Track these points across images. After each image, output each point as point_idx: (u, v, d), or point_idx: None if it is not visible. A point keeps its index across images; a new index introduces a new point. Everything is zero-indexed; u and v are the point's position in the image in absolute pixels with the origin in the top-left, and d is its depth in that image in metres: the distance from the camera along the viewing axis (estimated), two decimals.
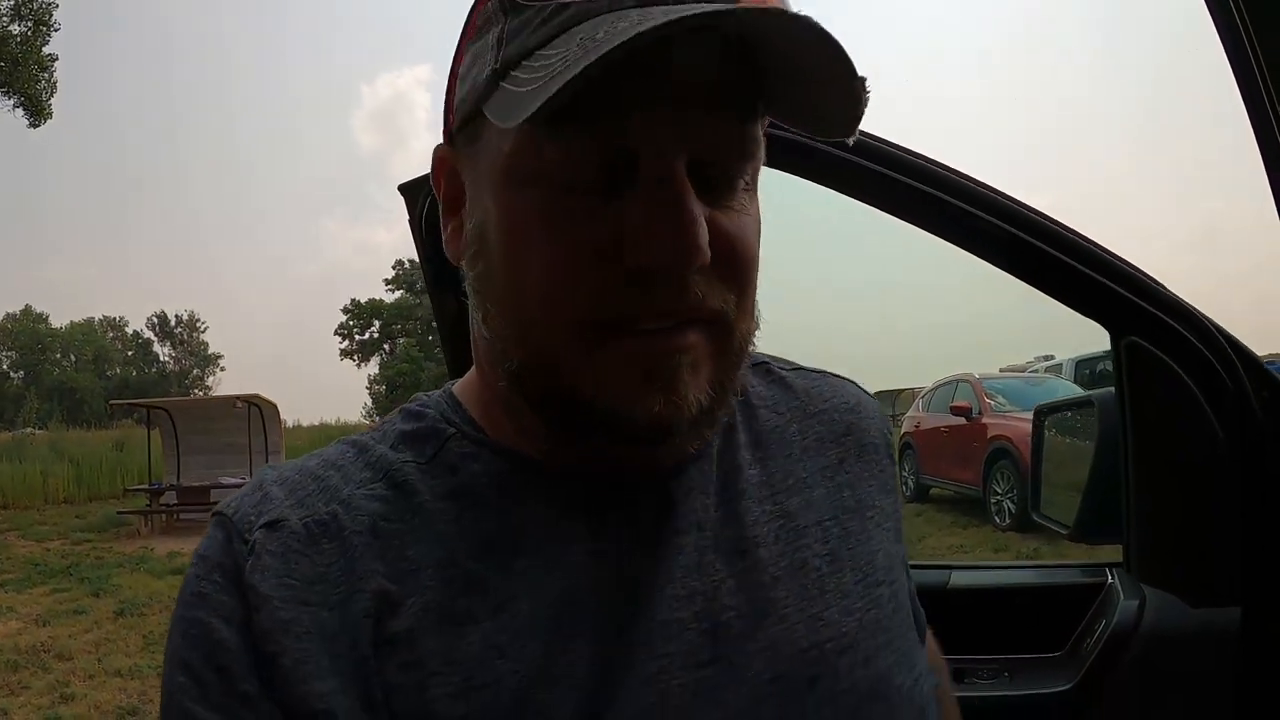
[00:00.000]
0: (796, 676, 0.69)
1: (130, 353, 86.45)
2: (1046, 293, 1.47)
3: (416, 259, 2.05)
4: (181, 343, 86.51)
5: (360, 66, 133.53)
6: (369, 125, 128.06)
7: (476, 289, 0.70)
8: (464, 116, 0.69)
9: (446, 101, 0.73)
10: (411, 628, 0.64)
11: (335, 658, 0.62)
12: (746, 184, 0.67)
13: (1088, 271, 1.42)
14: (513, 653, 0.64)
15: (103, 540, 13.75)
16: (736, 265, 0.66)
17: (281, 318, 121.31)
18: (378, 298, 63.66)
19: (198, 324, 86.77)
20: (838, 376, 0.91)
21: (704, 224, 0.62)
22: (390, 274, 61.57)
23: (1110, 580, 1.60)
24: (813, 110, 0.64)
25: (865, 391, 0.92)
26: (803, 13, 0.57)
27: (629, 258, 0.62)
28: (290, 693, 0.61)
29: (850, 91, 0.61)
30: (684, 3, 0.60)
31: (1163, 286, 1.44)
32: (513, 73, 0.62)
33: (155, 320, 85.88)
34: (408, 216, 1.93)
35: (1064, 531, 1.83)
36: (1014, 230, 1.42)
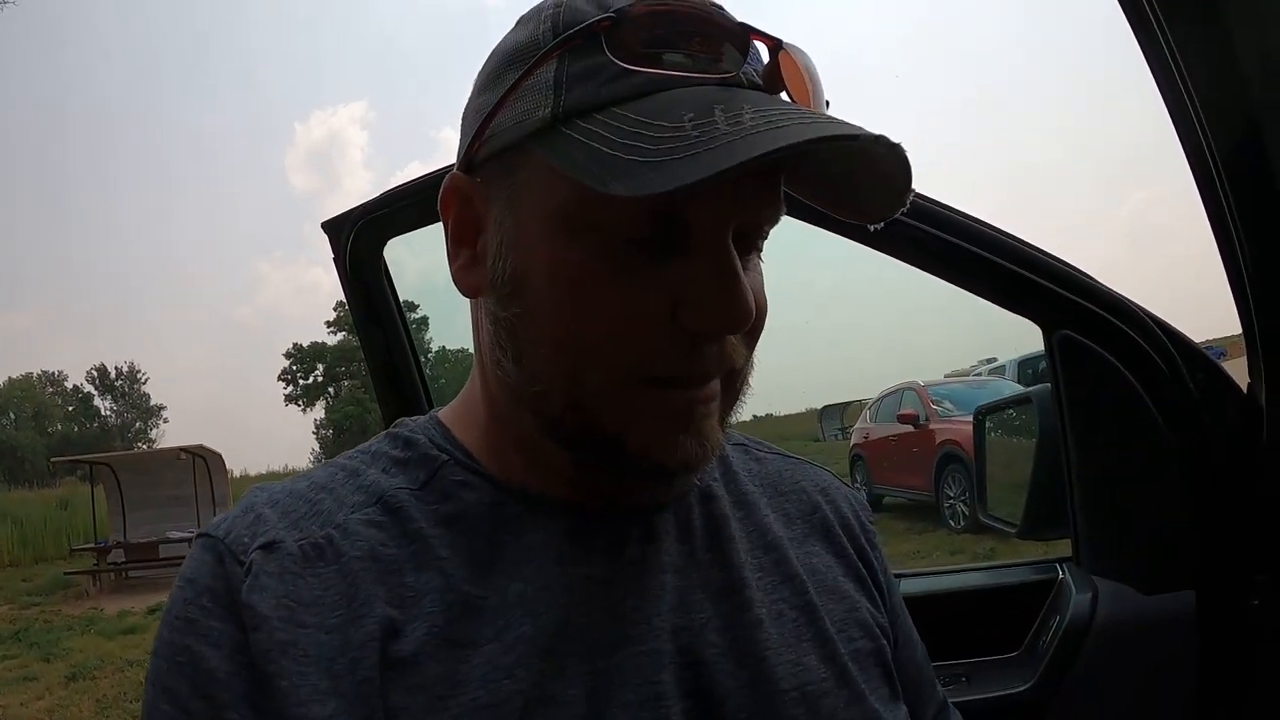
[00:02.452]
0: (779, 718, 0.72)
1: (71, 408, 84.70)
2: (976, 293, 1.48)
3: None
4: (123, 395, 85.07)
5: (292, 104, 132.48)
6: (303, 165, 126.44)
7: (508, 329, 0.70)
8: (501, 147, 0.69)
9: (475, 127, 0.72)
10: (416, 652, 0.65)
11: (335, 679, 0.62)
12: (760, 247, 0.72)
13: (1015, 269, 1.43)
14: (516, 674, 0.65)
15: (51, 603, 13.46)
16: (757, 323, 0.70)
17: (223, 365, 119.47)
18: (320, 341, 62.93)
19: (138, 375, 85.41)
20: (811, 463, 0.95)
21: (750, 291, 0.66)
22: (331, 316, 60.86)
23: (1061, 575, 1.61)
24: (851, 201, 0.71)
25: (838, 480, 0.95)
26: (892, 140, 0.62)
27: (689, 322, 0.65)
28: (286, 716, 0.61)
29: (899, 200, 0.67)
30: (744, 84, 0.66)
31: (1093, 279, 1.45)
32: (580, 122, 0.63)
33: (95, 373, 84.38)
34: (332, 255, 1.92)
35: (1012, 530, 1.83)
36: (938, 233, 1.43)
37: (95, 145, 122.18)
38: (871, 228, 0.70)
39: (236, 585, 0.65)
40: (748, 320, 0.66)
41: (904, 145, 0.62)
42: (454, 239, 0.75)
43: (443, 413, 0.82)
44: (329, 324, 61.53)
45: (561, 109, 0.64)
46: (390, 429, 0.81)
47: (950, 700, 0.95)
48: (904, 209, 0.67)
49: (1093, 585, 1.51)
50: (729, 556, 0.78)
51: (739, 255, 0.66)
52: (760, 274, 0.72)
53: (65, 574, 15.17)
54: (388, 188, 1.85)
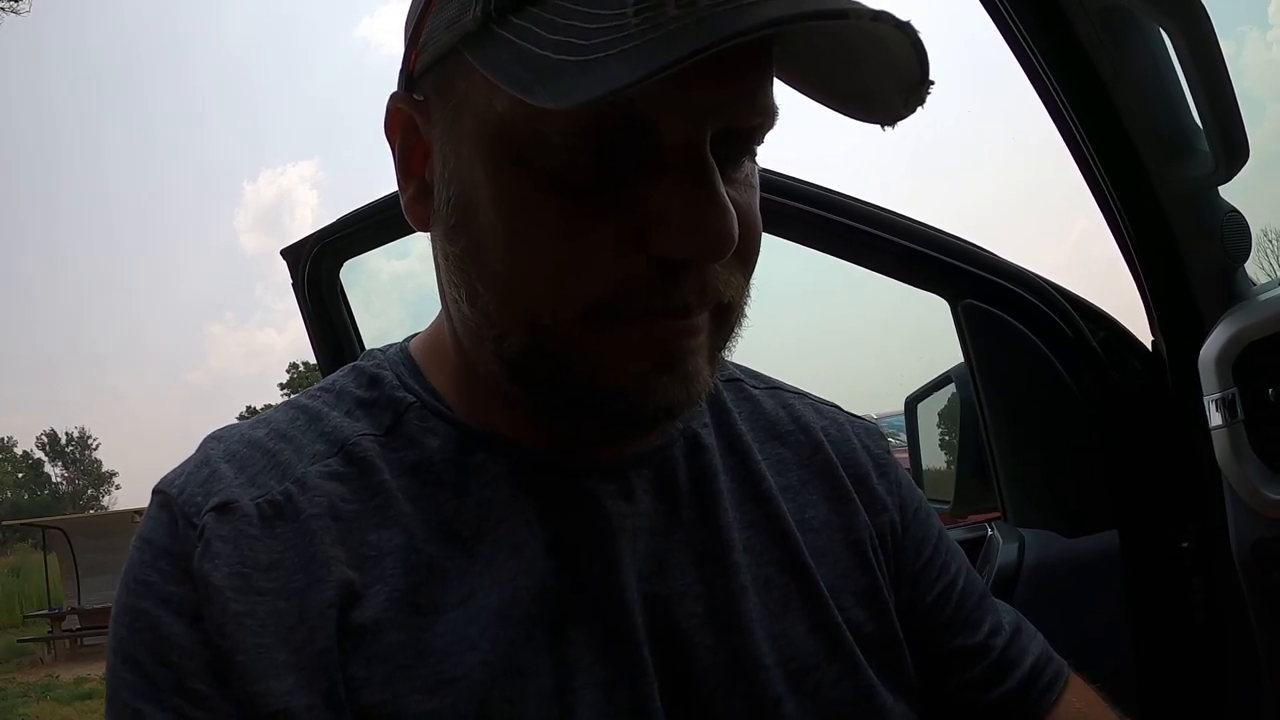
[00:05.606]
0: (759, 696, 0.67)
1: (21, 475, 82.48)
2: (883, 273, 1.55)
3: (313, 360, 2.12)
4: (74, 462, 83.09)
5: (242, 162, 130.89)
6: (253, 226, 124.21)
7: (459, 266, 0.63)
8: (435, 57, 0.61)
9: (408, 36, 0.65)
10: (377, 619, 0.60)
11: (294, 652, 0.58)
12: (754, 152, 0.63)
13: (916, 247, 1.51)
14: (481, 645, 0.61)
15: (4, 671, 13.08)
16: (749, 248, 0.62)
17: (175, 429, 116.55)
18: (273, 404, 61.60)
19: (89, 441, 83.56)
20: (810, 398, 0.86)
21: (734, 210, 0.57)
22: (285, 378, 59.79)
23: (991, 533, 1.66)
24: (858, 96, 0.60)
25: (848, 415, 0.86)
26: (899, 18, 0.52)
27: (656, 247, 0.57)
28: (246, 690, 0.57)
29: (914, 95, 0.57)
30: None
31: (990, 252, 1.53)
32: (513, 18, 0.55)
33: (45, 439, 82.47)
34: (291, 281, 2.00)
35: (946, 507, 1.88)
36: (845, 220, 1.51)
37: (41, 209, 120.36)
38: (884, 128, 0.59)
39: (189, 551, 0.60)
40: (727, 244, 0.56)
41: (915, 25, 0.52)
42: (401, 168, 0.68)
43: (414, 343, 0.76)
44: (282, 386, 60.30)
45: (493, 4, 0.56)
46: (358, 361, 0.75)
47: None
48: (921, 105, 0.57)
49: (1019, 535, 1.58)
50: (716, 515, 0.71)
51: (723, 167, 0.58)
52: (753, 186, 0.63)
53: (19, 641, 14.80)
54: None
